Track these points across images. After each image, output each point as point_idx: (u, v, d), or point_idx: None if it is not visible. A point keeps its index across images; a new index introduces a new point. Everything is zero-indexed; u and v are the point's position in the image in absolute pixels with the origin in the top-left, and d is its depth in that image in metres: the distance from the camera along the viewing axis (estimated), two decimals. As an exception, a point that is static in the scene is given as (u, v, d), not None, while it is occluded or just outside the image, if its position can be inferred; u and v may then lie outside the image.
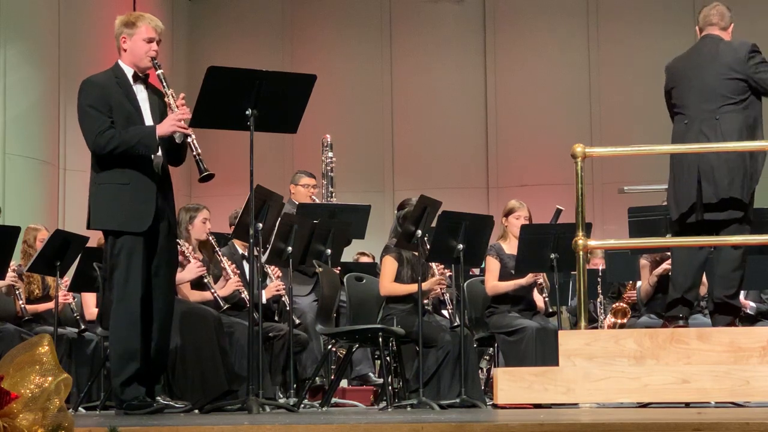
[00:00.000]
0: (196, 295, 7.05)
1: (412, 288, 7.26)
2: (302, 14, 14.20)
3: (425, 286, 7.22)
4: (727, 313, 6.22)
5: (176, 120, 5.51)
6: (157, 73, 5.63)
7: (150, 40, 5.62)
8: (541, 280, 7.74)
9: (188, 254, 6.97)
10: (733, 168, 6.15)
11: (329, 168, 9.50)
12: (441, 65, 13.81)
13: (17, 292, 7.98)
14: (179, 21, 13.83)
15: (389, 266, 7.46)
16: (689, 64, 6.37)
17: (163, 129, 5.52)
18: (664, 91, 6.52)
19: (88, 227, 5.68)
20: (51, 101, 11.24)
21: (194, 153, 5.55)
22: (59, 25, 11.35)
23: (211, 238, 7.34)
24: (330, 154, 9.54)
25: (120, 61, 5.67)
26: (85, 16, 11.77)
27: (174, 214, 5.80)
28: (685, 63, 6.41)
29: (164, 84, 5.62)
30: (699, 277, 6.37)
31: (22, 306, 7.99)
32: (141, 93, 5.65)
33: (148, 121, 5.62)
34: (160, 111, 5.67)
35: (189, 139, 5.55)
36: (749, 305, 8.32)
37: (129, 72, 5.63)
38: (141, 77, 5.66)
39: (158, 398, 5.65)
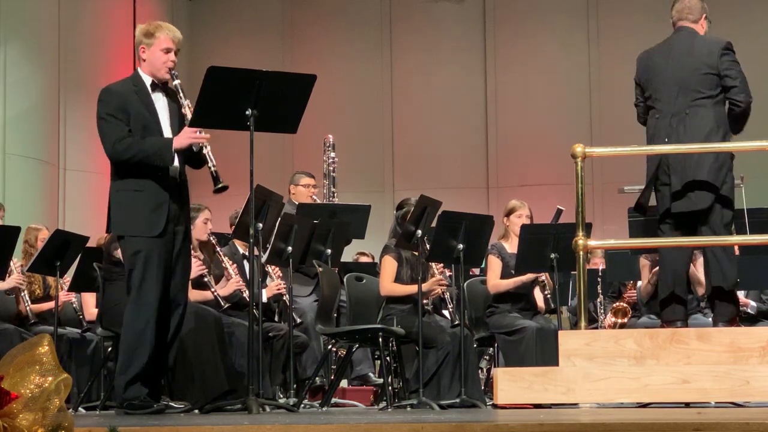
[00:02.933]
0: (196, 295, 7.04)
1: (412, 289, 7.26)
2: (302, 14, 14.20)
3: (425, 286, 7.21)
4: (727, 300, 6.18)
5: (192, 133, 5.60)
6: (174, 83, 5.70)
7: (167, 51, 5.69)
8: (543, 278, 7.75)
9: (188, 253, 6.96)
10: (701, 159, 6.12)
11: (331, 168, 9.50)
12: (441, 65, 13.80)
13: (22, 294, 7.98)
14: (179, 21, 13.81)
15: (389, 266, 7.45)
16: (663, 58, 6.35)
17: (179, 142, 5.61)
18: (635, 82, 6.52)
19: (108, 231, 5.86)
20: (51, 101, 11.24)
21: (209, 164, 5.64)
22: (59, 25, 11.35)
23: (212, 238, 7.34)
24: (332, 155, 9.54)
25: (139, 69, 5.77)
26: (85, 16, 11.77)
27: (190, 220, 5.93)
28: (658, 56, 6.39)
29: (181, 95, 5.70)
30: (685, 273, 6.37)
31: (28, 308, 7.98)
32: (159, 101, 5.73)
33: (166, 129, 5.70)
34: (180, 118, 5.74)
35: (204, 151, 5.63)
36: (750, 305, 8.32)
37: (147, 81, 5.72)
38: (159, 86, 5.74)
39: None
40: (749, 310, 8.25)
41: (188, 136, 5.60)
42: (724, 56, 6.23)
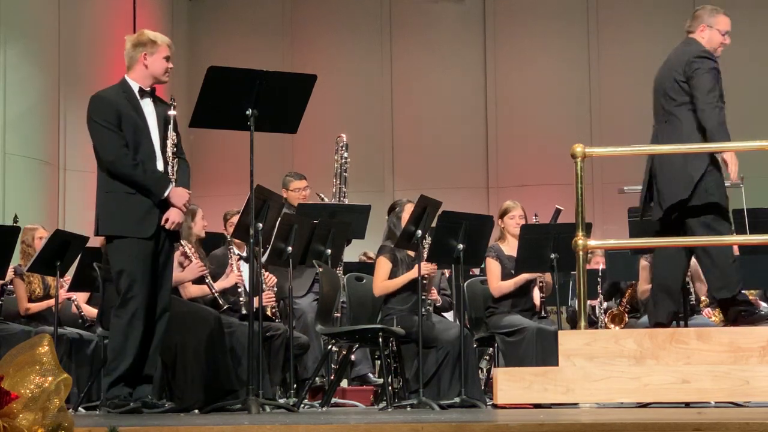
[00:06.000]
0: (195, 290, 7.00)
1: (404, 279, 7.27)
2: (302, 14, 14.20)
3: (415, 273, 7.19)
4: (735, 305, 6.20)
5: (183, 206, 5.76)
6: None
7: (168, 59, 5.84)
8: (542, 279, 7.74)
9: (190, 254, 6.95)
10: (670, 174, 6.16)
11: (343, 168, 9.48)
12: (441, 65, 13.81)
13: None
14: (179, 21, 13.82)
15: (383, 267, 7.45)
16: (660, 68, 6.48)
17: (174, 199, 5.70)
18: None
19: (96, 234, 5.86)
20: (51, 101, 11.24)
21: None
22: (59, 25, 11.35)
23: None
24: (345, 155, 9.49)
25: (126, 77, 5.83)
26: (85, 16, 11.77)
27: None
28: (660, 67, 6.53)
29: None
30: (683, 279, 6.40)
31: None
32: (147, 107, 5.81)
33: (154, 133, 5.77)
34: (165, 121, 5.81)
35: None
36: (761, 305, 8.29)
37: (135, 87, 5.80)
38: (147, 91, 5.82)
39: (148, 397, 5.68)
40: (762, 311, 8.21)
41: (179, 208, 5.71)
42: (694, 63, 6.22)
